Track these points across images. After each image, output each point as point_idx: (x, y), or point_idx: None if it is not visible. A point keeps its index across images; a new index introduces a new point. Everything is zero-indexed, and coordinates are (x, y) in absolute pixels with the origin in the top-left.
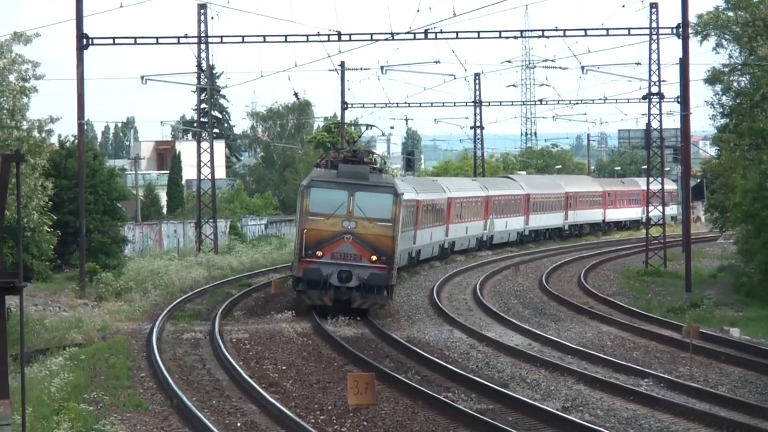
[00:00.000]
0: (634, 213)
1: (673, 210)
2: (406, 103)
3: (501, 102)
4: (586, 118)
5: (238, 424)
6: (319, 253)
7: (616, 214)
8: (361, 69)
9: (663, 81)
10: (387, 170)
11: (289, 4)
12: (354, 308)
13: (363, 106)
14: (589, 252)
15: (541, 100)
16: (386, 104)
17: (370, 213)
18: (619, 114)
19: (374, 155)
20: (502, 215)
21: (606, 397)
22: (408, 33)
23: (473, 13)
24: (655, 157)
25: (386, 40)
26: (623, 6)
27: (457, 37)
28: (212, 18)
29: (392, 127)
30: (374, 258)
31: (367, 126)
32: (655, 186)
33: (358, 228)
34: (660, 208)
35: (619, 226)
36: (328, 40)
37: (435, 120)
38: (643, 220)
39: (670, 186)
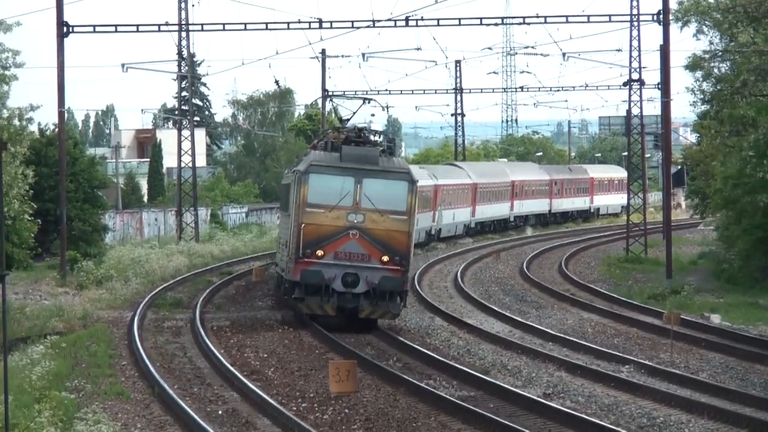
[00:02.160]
0: (581, 203)
1: (625, 199)
2: (387, 90)
3: (482, 89)
4: (567, 105)
5: (220, 412)
6: (319, 253)
7: (562, 204)
8: (342, 56)
9: (644, 67)
10: (398, 153)
11: None
12: (361, 319)
13: (344, 94)
14: (570, 239)
15: (521, 87)
16: (367, 92)
17: (380, 204)
18: (600, 101)
19: (382, 134)
20: (450, 206)
21: (587, 383)
22: (389, 20)
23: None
24: (636, 144)
25: (367, 27)
26: None
27: (438, 25)
28: (193, 6)
29: (373, 115)
30: (386, 258)
31: (364, 100)
32: (612, 172)
33: (366, 222)
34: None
35: (566, 216)
36: (309, 28)
37: (416, 107)
38: (591, 211)
39: (619, 172)
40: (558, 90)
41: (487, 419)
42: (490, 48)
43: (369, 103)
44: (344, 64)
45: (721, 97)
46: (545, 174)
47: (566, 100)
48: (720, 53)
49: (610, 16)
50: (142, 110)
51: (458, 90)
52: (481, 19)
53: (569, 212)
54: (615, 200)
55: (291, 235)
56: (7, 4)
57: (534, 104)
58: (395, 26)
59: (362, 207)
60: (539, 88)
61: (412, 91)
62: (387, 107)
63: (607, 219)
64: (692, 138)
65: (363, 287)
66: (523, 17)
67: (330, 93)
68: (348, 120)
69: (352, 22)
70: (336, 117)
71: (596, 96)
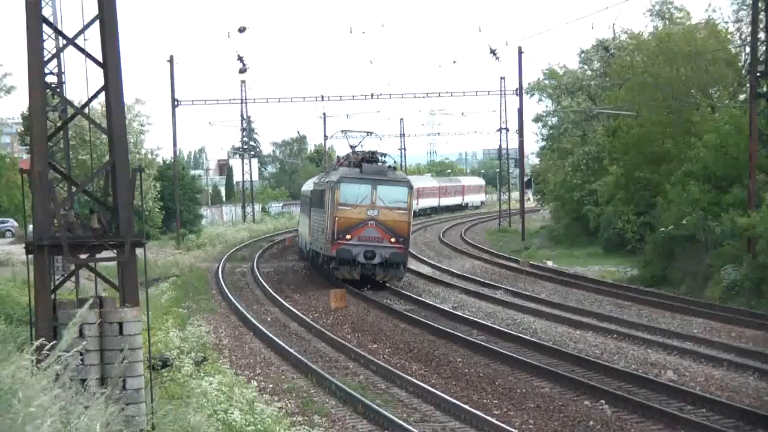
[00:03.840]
0: (458, 200)
1: (484, 197)
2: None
3: (416, 134)
4: (464, 141)
5: (268, 319)
6: (348, 237)
7: (446, 201)
8: (335, 116)
9: (508, 120)
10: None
11: (292, 76)
12: (377, 281)
13: (336, 137)
14: (462, 220)
15: (438, 133)
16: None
17: (389, 203)
18: (484, 139)
19: (386, 156)
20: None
21: (477, 301)
22: (361, 95)
23: (402, 79)
24: (505, 165)
25: (349, 99)
26: (485, 78)
27: (390, 98)
28: (249, 87)
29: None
30: (393, 240)
31: (368, 132)
32: (476, 182)
33: (380, 215)
34: (477, 196)
35: (448, 209)
36: (315, 100)
37: (378, 145)
38: (463, 205)
39: (479, 181)
40: (459, 134)
41: (421, 322)
42: (419, 111)
43: (370, 135)
44: (336, 119)
45: (552, 137)
46: (436, 182)
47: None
48: (551, 112)
49: (488, 91)
50: (221, 148)
51: (402, 135)
52: (414, 93)
53: (450, 206)
54: (477, 198)
55: (327, 225)
56: (141, 87)
57: (446, 142)
58: (365, 99)
59: (377, 205)
60: (449, 133)
61: (380, 137)
62: (381, 138)
63: (472, 210)
64: (536, 160)
65: (378, 259)
66: (438, 92)
67: (345, 131)
68: (355, 147)
69: (341, 96)
70: (348, 145)
71: (481, 137)
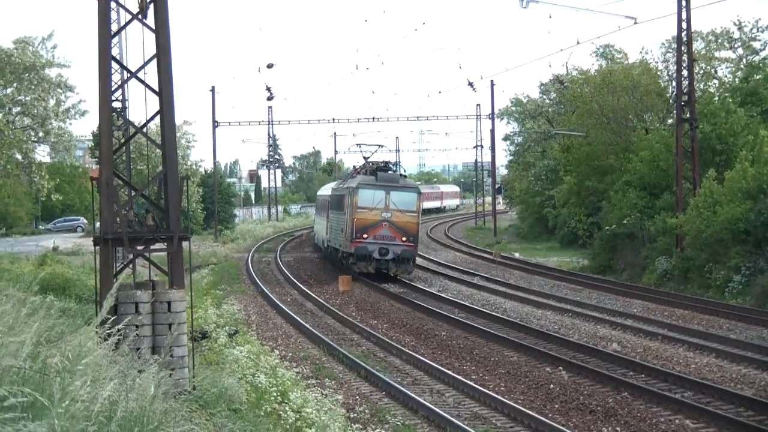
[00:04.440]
0: (437, 204)
1: (459, 201)
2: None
3: (409, 150)
4: (447, 156)
5: (288, 299)
6: (365, 236)
7: (427, 205)
8: (344, 135)
9: (482, 139)
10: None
11: (309, 103)
12: (389, 275)
13: (344, 153)
14: (446, 220)
15: (426, 149)
16: (357, 152)
17: (401, 206)
18: (463, 154)
19: (397, 164)
20: None
21: (457, 285)
22: (365, 118)
23: (398, 106)
24: (480, 175)
25: (356, 121)
26: (464, 105)
27: (387, 120)
28: (274, 112)
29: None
30: (404, 239)
31: (379, 146)
32: (452, 189)
33: (393, 217)
34: (453, 200)
35: (429, 211)
36: (328, 122)
37: (387, 158)
38: (441, 208)
39: (455, 188)
40: (443, 150)
41: (412, 302)
42: (411, 131)
43: (381, 148)
44: (345, 137)
45: (518, 153)
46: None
47: (447, 154)
48: (517, 132)
49: (467, 115)
50: (251, 160)
51: (397, 150)
52: (408, 117)
53: (431, 209)
54: (453, 202)
55: (346, 225)
56: (189, 111)
57: (432, 156)
58: (368, 121)
59: (390, 208)
60: (435, 149)
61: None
62: (390, 150)
63: (449, 212)
64: (505, 171)
65: (391, 256)
66: (427, 116)
67: (359, 144)
68: (368, 158)
69: (348, 119)
70: (362, 156)
71: (461, 152)
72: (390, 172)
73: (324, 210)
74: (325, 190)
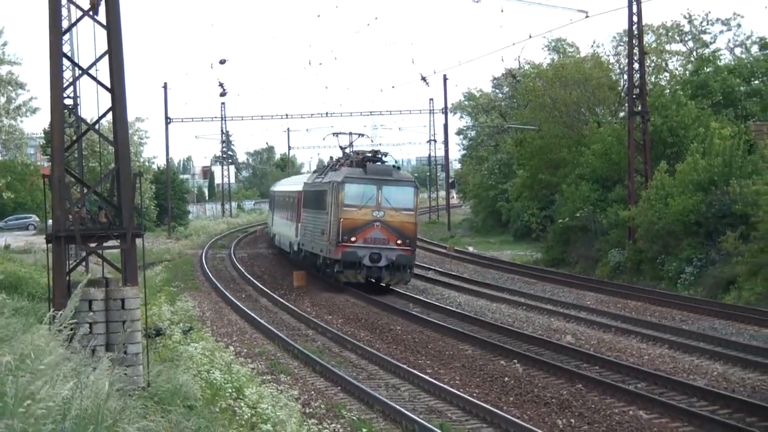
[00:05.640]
0: None
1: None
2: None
3: (362, 146)
4: (401, 150)
5: (243, 295)
6: (353, 239)
7: None
8: (297, 131)
9: (436, 134)
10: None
11: (262, 98)
12: (382, 285)
13: (298, 148)
14: None
15: (380, 144)
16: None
17: (395, 203)
18: (417, 148)
19: (387, 155)
20: None
21: (412, 280)
22: (318, 113)
23: (351, 101)
24: (433, 170)
25: (309, 117)
26: (417, 99)
27: (341, 115)
28: (227, 108)
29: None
30: (399, 242)
31: (359, 134)
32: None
33: (385, 216)
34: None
35: None
36: (282, 118)
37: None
38: None
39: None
40: (397, 144)
41: (367, 297)
42: (365, 126)
43: (361, 136)
44: (298, 133)
45: (471, 147)
46: None
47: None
48: (470, 127)
49: (420, 110)
50: (204, 156)
51: (349, 146)
52: (361, 112)
53: None
54: None
55: (330, 227)
56: (141, 107)
57: (385, 153)
58: (321, 116)
59: (383, 206)
60: (387, 144)
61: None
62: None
63: None
64: (459, 166)
65: (384, 262)
66: (380, 111)
67: (336, 133)
68: (346, 148)
69: (302, 115)
70: (339, 146)
71: (415, 147)
72: (383, 163)
73: (287, 208)
74: (285, 185)
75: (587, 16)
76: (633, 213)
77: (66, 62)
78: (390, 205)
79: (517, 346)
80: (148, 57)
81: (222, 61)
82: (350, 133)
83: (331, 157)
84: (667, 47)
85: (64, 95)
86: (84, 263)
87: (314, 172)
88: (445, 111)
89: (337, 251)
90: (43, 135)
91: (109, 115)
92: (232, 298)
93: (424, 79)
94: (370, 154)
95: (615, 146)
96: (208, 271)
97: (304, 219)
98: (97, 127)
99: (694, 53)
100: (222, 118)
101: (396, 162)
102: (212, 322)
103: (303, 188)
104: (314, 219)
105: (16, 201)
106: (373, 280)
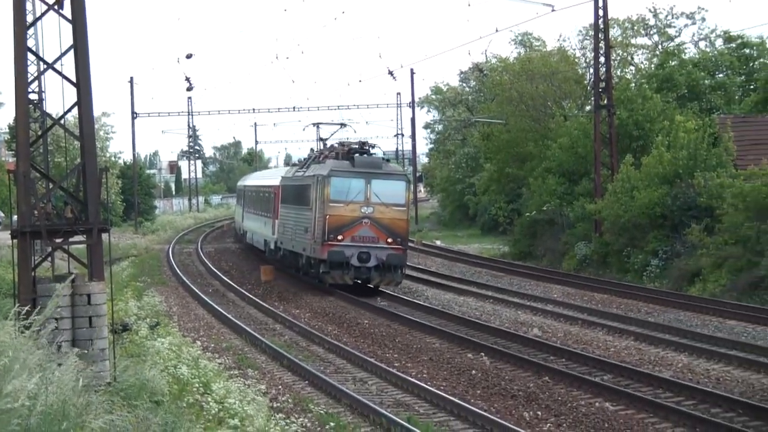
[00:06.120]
0: None
1: None
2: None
3: (329, 140)
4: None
5: (210, 290)
6: (340, 237)
7: None
8: (264, 125)
9: (403, 127)
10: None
11: (229, 93)
12: (371, 287)
13: (265, 143)
14: None
15: (347, 138)
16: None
17: (385, 199)
18: (384, 142)
19: (375, 146)
20: None
21: None
22: (286, 108)
23: (318, 95)
24: (401, 163)
25: (276, 111)
26: (385, 93)
27: (308, 110)
28: (194, 102)
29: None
30: (390, 240)
31: (341, 125)
32: None
33: (375, 213)
34: None
35: None
36: (249, 112)
37: (285, 149)
38: None
39: None
40: (364, 138)
41: (334, 291)
42: (332, 120)
43: (344, 127)
44: (265, 127)
45: (438, 141)
46: None
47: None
48: (438, 121)
49: (387, 104)
50: (171, 151)
51: (318, 140)
52: (328, 106)
53: None
54: None
55: (314, 224)
56: (107, 102)
57: (374, 144)
58: (288, 111)
59: (372, 201)
60: (356, 139)
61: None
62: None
63: None
64: (426, 160)
65: (373, 262)
66: (347, 105)
67: (316, 124)
68: (327, 139)
69: (269, 109)
70: (319, 137)
71: (382, 141)
72: (369, 155)
73: (261, 203)
74: (257, 179)
75: (553, 10)
76: (599, 206)
77: (31, 57)
78: (380, 201)
79: (484, 339)
80: (114, 51)
81: (188, 56)
82: (333, 123)
83: (312, 149)
84: (633, 41)
85: (29, 90)
86: (50, 259)
87: (293, 165)
88: (412, 105)
89: (322, 251)
90: (7, 130)
91: (75, 110)
92: (200, 293)
93: (391, 73)
94: (356, 146)
95: (581, 140)
96: (175, 266)
97: (284, 216)
98: (62, 122)
99: (660, 47)
100: (189, 112)
101: (385, 154)
102: (179, 317)
103: (281, 182)
104: (296, 216)
105: None
106: (360, 282)
